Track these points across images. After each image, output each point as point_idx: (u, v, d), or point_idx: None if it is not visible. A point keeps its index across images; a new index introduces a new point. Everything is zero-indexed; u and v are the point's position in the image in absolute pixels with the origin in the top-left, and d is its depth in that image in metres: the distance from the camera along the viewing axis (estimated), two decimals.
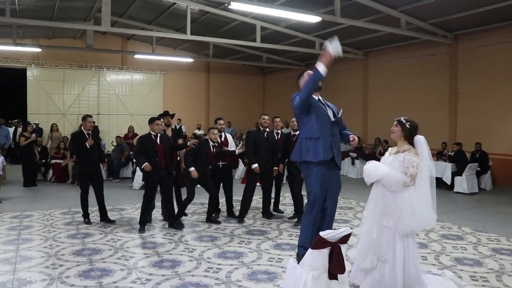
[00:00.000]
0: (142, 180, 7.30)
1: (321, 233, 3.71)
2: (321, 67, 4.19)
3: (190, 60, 19.17)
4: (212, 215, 7.42)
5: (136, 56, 17.57)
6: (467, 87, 12.90)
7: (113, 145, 13.84)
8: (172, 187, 7.10)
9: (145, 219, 6.82)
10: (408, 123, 4.21)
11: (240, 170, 12.95)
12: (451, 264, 5.23)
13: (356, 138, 4.68)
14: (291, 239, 6.31)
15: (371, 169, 4.16)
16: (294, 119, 7.23)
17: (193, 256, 5.50)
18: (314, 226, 4.33)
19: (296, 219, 7.36)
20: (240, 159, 13.09)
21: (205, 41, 16.52)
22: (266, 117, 7.73)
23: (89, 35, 15.30)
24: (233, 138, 17.33)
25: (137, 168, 11.05)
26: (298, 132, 7.21)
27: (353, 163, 14.13)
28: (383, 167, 4.14)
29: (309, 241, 4.17)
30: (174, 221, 6.92)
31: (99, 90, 19.00)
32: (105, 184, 7.74)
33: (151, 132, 6.86)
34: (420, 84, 14.33)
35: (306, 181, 4.49)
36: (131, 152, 12.62)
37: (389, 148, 4.46)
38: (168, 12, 14.93)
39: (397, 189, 4.03)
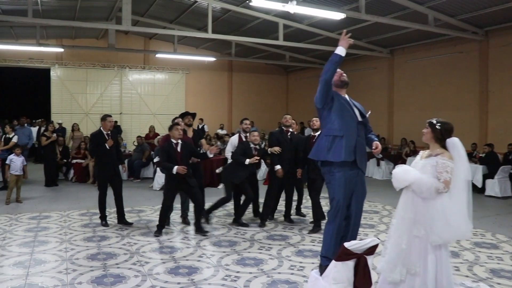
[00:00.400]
0: (164, 187, 7.00)
1: (346, 244, 3.43)
2: (339, 49, 4.19)
3: (212, 59, 19.00)
4: (241, 218, 7.21)
5: (158, 55, 17.49)
6: (498, 85, 12.35)
7: (135, 145, 13.76)
8: (200, 193, 6.76)
9: (163, 223, 6.62)
10: (439, 125, 3.86)
11: (263, 170, 12.68)
12: (487, 276, 4.86)
13: (380, 146, 4.39)
14: (314, 245, 6.02)
15: (401, 173, 3.83)
16: (315, 118, 6.95)
17: (211, 262, 5.27)
18: (337, 235, 4.05)
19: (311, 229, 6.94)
20: (262, 160, 12.84)
21: (227, 39, 16.35)
22: (288, 116, 7.50)
23: (111, 34, 15.29)
24: None
25: (158, 168, 10.92)
26: (318, 132, 6.94)
27: (378, 164, 13.72)
28: (414, 172, 3.81)
29: (332, 251, 3.89)
30: (199, 225, 6.68)
31: (122, 90, 19.01)
32: (125, 184, 7.60)
33: (172, 139, 6.62)
34: (448, 82, 13.80)
35: (329, 187, 4.21)
36: (152, 152, 12.52)
37: (420, 151, 4.13)
38: (189, 10, 14.77)
39: (429, 196, 3.70)
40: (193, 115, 7.62)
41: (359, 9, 10.48)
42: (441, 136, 3.85)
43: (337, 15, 10.32)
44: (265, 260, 5.37)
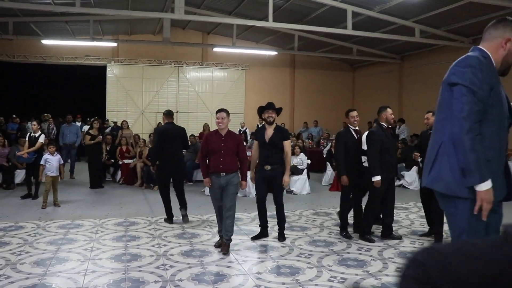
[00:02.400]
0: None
1: None
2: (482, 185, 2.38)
3: (273, 53, 17.69)
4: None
5: (216, 49, 16.44)
6: None
7: (190, 145, 12.72)
8: None
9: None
10: None
11: (328, 175, 11.23)
12: None
13: None
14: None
15: None
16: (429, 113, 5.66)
17: None
18: None
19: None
20: (328, 163, 11.41)
21: (290, 30, 15.10)
22: (355, 113, 6.18)
23: (166, 28, 14.37)
24: (321, 139, 15.62)
25: None
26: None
27: None
28: None
29: None
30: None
31: (178, 87, 18.17)
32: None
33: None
34: None
35: (453, 219, 2.63)
36: None
37: None
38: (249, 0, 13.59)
39: None
40: (277, 110, 6.14)
41: None
42: None
43: None
44: None
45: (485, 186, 2.34)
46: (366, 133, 6.24)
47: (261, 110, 6.09)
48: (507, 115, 2.57)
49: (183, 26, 17.67)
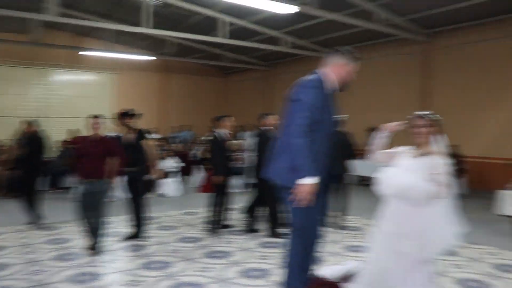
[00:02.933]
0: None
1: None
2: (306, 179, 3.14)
3: (145, 58, 17.75)
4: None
5: (84, 52, 16.08)
6: (439, 86, 12.21)
7: (60, 151, 12.30)
8: None
9: None
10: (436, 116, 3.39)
11: (197, 177, 11.68)
12: None
13: None
14: (261, 263, 5.15)
15: (390, 177, 3.23)
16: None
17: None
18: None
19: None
20: (198, 165, 11.94)
21: (163, 36, 15.32)
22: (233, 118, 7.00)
23: (35, 28, 13.70)
24: (191, 143, 16.01)
25: None
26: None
27: None
28: (406, 175, 3.18)
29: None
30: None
31: (45, 91, 17.31)
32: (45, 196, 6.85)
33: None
34: (386, 85, 13.60)
35: (286, 204, 3.48)
36: None
37: (403, 147, 3.48)
38: (124, 3, 13.57)
39: (421, 203, 3.09)
40: (131, 116, 6.46)
41: (311, 3, 9.94)
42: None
43: (290, 8, 9.45)
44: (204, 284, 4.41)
45: (308, 181, 3.11)
46: (256, 135, 6.72)
47: (121, 117, 6.39)
48: (333, 124, 3.47)
49: (53, 26, 16.88)
